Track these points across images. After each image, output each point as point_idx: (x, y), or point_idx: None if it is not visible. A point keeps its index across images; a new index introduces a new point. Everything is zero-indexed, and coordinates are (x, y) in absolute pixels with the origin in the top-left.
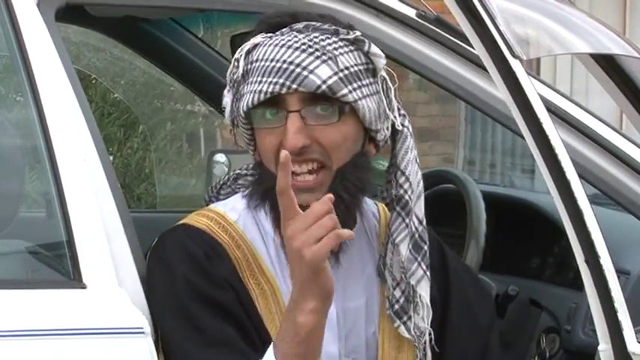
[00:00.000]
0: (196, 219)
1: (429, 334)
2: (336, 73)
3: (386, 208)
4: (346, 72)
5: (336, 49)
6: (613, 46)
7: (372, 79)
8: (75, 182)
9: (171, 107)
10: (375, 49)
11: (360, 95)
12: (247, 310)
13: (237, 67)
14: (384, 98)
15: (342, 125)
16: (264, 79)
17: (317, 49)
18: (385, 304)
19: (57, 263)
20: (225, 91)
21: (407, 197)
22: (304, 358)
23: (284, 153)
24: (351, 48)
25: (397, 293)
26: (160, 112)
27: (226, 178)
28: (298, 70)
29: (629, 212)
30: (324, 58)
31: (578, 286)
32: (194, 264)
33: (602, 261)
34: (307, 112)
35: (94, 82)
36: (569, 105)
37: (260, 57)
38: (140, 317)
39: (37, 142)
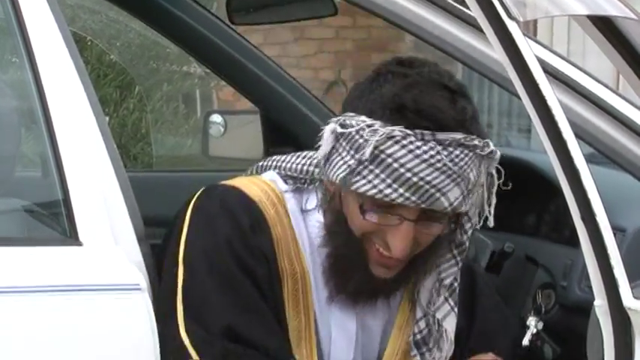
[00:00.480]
0: (250, 187)
1: None
2: (462, 193)
3: None
4: (470, 187)
5: (468, 165)
6: (610, 7)
7: (480, 179)
8: (71, 142)
9: (167, 68)
10: (497, 157)
11: (472, 203)
12: (274, 288)
13: (361, 139)
14: (486, 193)
15: (444, 225)
16: (395, 187)
17: (455, 172)
18: (404, 323)
19: (53, 221)
20: (328, 129)
21: (467, 243)
22: None
23: None
24: (480, 161)
25: (422, 324)
26: (156, 73)
27: (297, 159)
28: (432, 190)
29: (626, 171)
30: (458, 180)
31: (575, 243)
32: (238, 232)
33: (598, 218)
34: (422, 224)
35: (89, 43)
36: (566, 66)
37: (395, 157)
38: (136, 274)
39: (32, 103)
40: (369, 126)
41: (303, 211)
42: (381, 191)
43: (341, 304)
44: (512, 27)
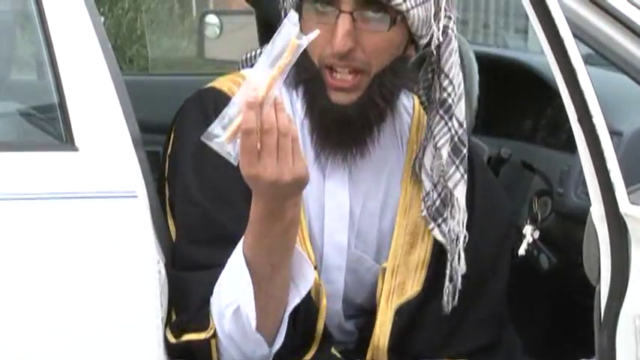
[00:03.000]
0: (219, 82)
1: (465, 237)
2: None
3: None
4: None
5: None
6: None
7: None
8: (66, 44)
9: None
10: None
11: (413, 4)
12: None
13: None
14: (433, 6)
15: (390, 34)
16: None
17: None
18: (409, 202)
19: (49, 126)
20: None
21: (450, 100)
22: (288, 246)
23: (251, 97)
24: None
25: (434, 195)
26: None
27: (260, 50)
28: None
29: (624, 72)
30: None
31: (571, 148)
32: (205, 120)
33: (594, 120)
34: (359, 15)
35: None
36: None
37: None
38: (133, 180)
39: (27, 4)
40: None
41: (290, 96)
42: None
43: (333, 175)
44: None
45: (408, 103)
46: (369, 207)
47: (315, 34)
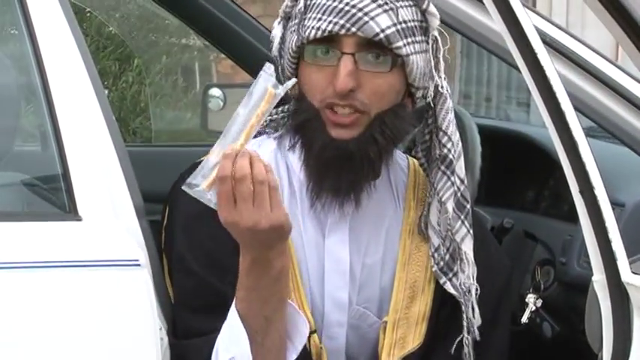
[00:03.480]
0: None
1: (476, 290)
2: (394, 25)
3: (416, 163)
4: (404, 25)
5: (397, 0)
6: None
7: (424, 37)
8: (70, 116)
9: (166, 41)
10: (432, 8)
11: (412, 50)
12: None
13: (297, 1)
14: (432, 58)
15: (390, 76)
16: (325, 18)
17: None
18: (407, 256)
19: (53, 196)
20: (276, 23)
21: (451, 156)
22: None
23: (229, 148)
24: (411, 3)
25: (443, 250)
26: (155, 45)
27: None
28: (360, 14)
29: (625, 145)
30: (386, 7)
31: (573, 218)
32: None
33: (596, 192)
34: (360, 57)
35: (88, 15)
36: (565, 37)
37: None
38: (136, 249)
39: (32, 75)
40: None
41: (286, 160)
42: (313, 27)
43: (333, 234)
44: None
45: (403, 162)
46: (370, 262)
47: (292, 82)
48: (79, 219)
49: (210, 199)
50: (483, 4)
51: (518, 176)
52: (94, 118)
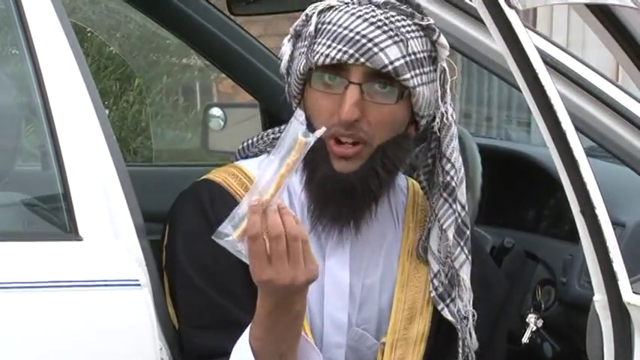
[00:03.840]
0: (214, 173)
1: (473, 316)
2: (403, 57)
3: (416, 184)
4: (413, 57)
5: (408, 32)
6: None
7: (432, 67)
8: (71, 136)
9: (167, 60)
10: (442, 39)
11: (420, 82)
12: None
13: (308, 22)
14: (439, 88)
15: (396, 107)
16: (334, 45)
17: (391, 29)
18: (406, 277)
19: (53, 216)
20: (285, 40)
21: (453, 183)
22: (296, 335)
23: (255, 200)
24: (421, 34)
25: (441, 276)
26: (156, 65)
27: (256, 138)
28: (370, 45)
29: (625, 164)
30: (396, 39)
31: (574, 238)
32: (199, 210)
33: (597, 211)
34: (367, 87)
35: (89, 35)
36: (566, 57)
37: (334, 21)
38: (136, 269)
39: (33, 95)
40: (313, 7)
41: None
42: (322, 54)
43: (333, 255)
44: (512, 15)
45: (402, 183)
46: (369, 283)
47: (321, 131)
48: (80, 239)
49: (240, 250)
50: (484, 23)
51: (519, 196)
52: (94, 137)
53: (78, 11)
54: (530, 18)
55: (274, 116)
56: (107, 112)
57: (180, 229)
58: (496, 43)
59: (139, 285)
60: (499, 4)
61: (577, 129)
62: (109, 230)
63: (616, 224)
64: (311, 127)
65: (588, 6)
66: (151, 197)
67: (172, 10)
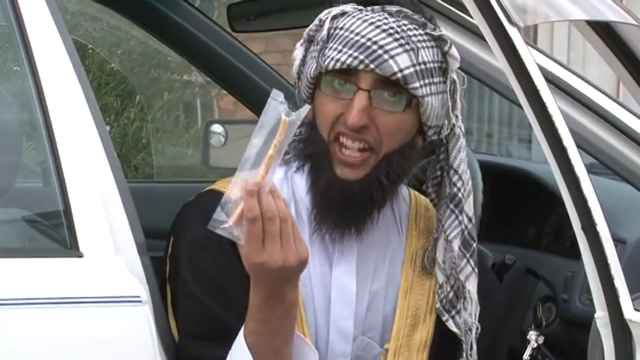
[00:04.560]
0: (218, 184)
1: (477, 329)
2: (413, 65)
3: (417, 194)
4: (423, 66)
5: (420, 41)
6: (609, 13)
7: (442, 78)
8: (72, 152)
9: (168, 77)
10: (453, 51)
11: (429, 92)
12: None
13: (321, 27)
14: (448, 99)
15: (404, 116)
16: (345, 50)
17: (402, 37)
18: (409, 285)
19: (54, 232)
20: (298, 44)
21: (460, 195)
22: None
23: (250, 184)
24: (433, 44)
25: (447, 288)
26: (157, 82)
27: None
28: (380, 51)
29: (626, 181)
30: (407, 47)
31: (575, 255)
32: (205, 221)
33: (598, 228)
34: (376, 94)
35: (91, 51)
36: (567, 74)
37: (346, 27)
38: (137, 286)
39: (34, 111)
40: (327, 12)
41: (293, 187)
42: (332, 58)
43: (340, 264)
44: (513, 33)
45: (405, 192)
46: (374, 290)
47: (305, 109)
48: (80, 255)
49: (238, 235)
50: (485, 40)
51: (520, 212)
52: (95, 154)
53: (79, 28)
54: (531, 35)
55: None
56: (108, 128)
57: (185, 239)
58: (497, 60)
59: (139, 301)
60: (500, 21)
61: (578, 145)
62: (109, 246)
63: (617, 241)
64: (317, 132)
65: (589, 23)
66: (151, 214)
67: (173, 27)
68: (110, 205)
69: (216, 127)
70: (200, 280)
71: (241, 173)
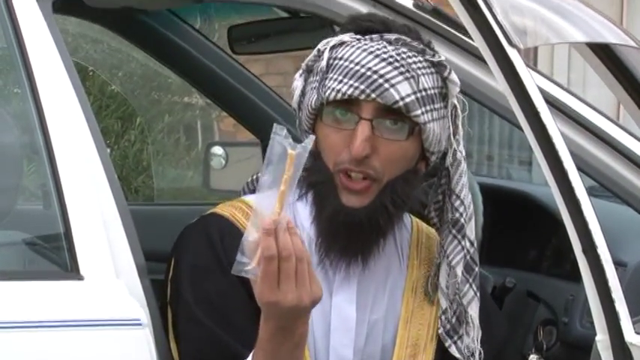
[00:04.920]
0: (221, 208)
1: (480, 354)
2: (414, 93)
3: (419, 221)
4: (424, 93)
5: (419, 68)
6: (609, 35)
7: (443, 104)
8: (73, 174)
9: (168, 99)
10: (453, 76)
11: (430, 118)
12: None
13: (320, 58)
14: (450, 125)
15: (406, 143)
16: (346, 81)
17: (402, 65)
18: (410, 314)
19: (54, 255)
20: (297, 75)
21: (462, 220)
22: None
23: (267, 224)
24: (433, 70)
25: (450, 313)
26: (158, 104)
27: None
28: (381, 80)
29: (627, 204)
30: (407, 75)
31: (576, 278)
32: (208, 245)
33: (599, 251)
34: (378, 123)
35: (91, 74)
36: (567, 96)
37: (346, 57)
38: (137, 309)
39: (35, 134)
40: (325, 43)
41: (294, 213)
42: (333, 89)
43: (340, 291)
44: (513, 54)
45: (407, 220)
46: (374, 318)
47: (311, 140)
48: (81, 278)
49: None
50: (485, 62)
51: (521, 235)
52: (96, 176)
53: (80, 50)
54: (531, 57)
55: None
56: (109, 150)
57: (188, 263)
58: (497, 82)
59: (140, 324)
60: (501, 43)
61: (578, 168)
62: (110, 269)
63: (618, 264)
64: (321, 162)
65: (589, 45)
66: (152, 236)
67: (174, 49)
68: (111, 227)
69: (217, 149)
70: (202, 304)
71: (254, 218)
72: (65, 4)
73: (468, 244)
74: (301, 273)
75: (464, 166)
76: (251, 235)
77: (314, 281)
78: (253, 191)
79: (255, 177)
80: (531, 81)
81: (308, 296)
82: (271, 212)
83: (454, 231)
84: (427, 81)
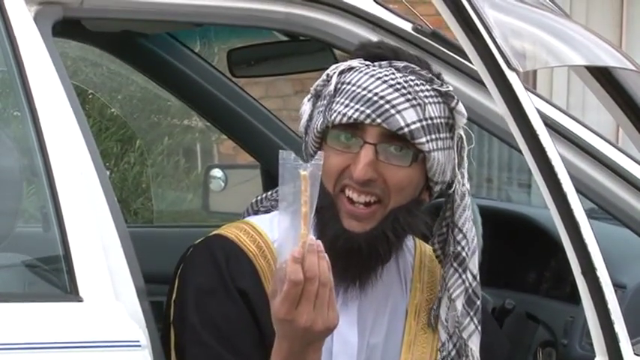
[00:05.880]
0: (226, 229)
1: None
2: (420, 120)
3: (422, 243)
4: (430, 122)
5: (427, 97)
6: (609, 58)
7: (449, 134)
8: (72, 197)
9: (168, 122)
10: (460, 107)
11: (435, 147)
12: (262, 319)
13: (328, 82)
14: (455, 156)
15: (410, 170)
16: (352, 105)
17: (409, 92)
18: (412, 338)
19: (54, 277)
20: (306, 100)
21: (464, 254)
22: None
23: (296, 252)
24: (440, 100)
25: (449, 346)
26: (157, 127)
27: (270, 193)
28: (387, 106)
29: (626, 226)
30: (414, 102)
31: (575, 300)
32: (213, 268)
33: (598, 273)
34: (382, 148)
35: (91, 97)
36: (566, 119)
37: (353, 81)
38: (137, 331)
39: (34, 156)
40: (334, 68)
41: None
42: (339, 113)
43: (341, 316)
44: (513, 78)
45: (410, 243)
46: (373, 342)
47: (320, 155)
48: (80, 300)
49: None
50: (485, 85)
51: (520, 257)
52: (95, 199)
53: (80, 73)
54: (530, 80)
55: (275, 177)
56: (108, 173)
57: (193, 284)
58: (497, 105)
59: (139, 346)
60: (500, 67)
61: (577, 190)
62: (109, 291)
63: (617, 286)
64: (323, 189)
65: (588, 68)
66: (151, 258)
67: (174, 72)
68: (110, 249)
69: (216, 172)
70: (208, 327)
71: (281, 249)
72: (65, 27)
73: (470, 277)
74: (321, 297)
75: (468, 200)
76: (281, 256)
77: (332, 309)
78: (257, 212)
79: (259, 198)
80: (530, 104)
81: (323, 321)
82: (298, 235)
83: (455, 264)
84: (434, 110)
